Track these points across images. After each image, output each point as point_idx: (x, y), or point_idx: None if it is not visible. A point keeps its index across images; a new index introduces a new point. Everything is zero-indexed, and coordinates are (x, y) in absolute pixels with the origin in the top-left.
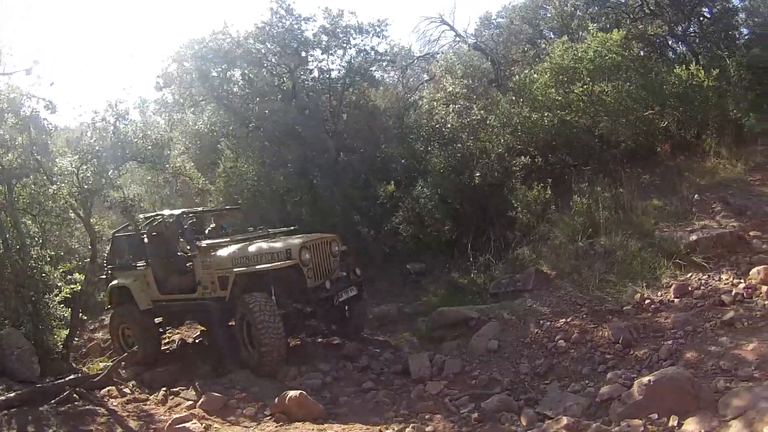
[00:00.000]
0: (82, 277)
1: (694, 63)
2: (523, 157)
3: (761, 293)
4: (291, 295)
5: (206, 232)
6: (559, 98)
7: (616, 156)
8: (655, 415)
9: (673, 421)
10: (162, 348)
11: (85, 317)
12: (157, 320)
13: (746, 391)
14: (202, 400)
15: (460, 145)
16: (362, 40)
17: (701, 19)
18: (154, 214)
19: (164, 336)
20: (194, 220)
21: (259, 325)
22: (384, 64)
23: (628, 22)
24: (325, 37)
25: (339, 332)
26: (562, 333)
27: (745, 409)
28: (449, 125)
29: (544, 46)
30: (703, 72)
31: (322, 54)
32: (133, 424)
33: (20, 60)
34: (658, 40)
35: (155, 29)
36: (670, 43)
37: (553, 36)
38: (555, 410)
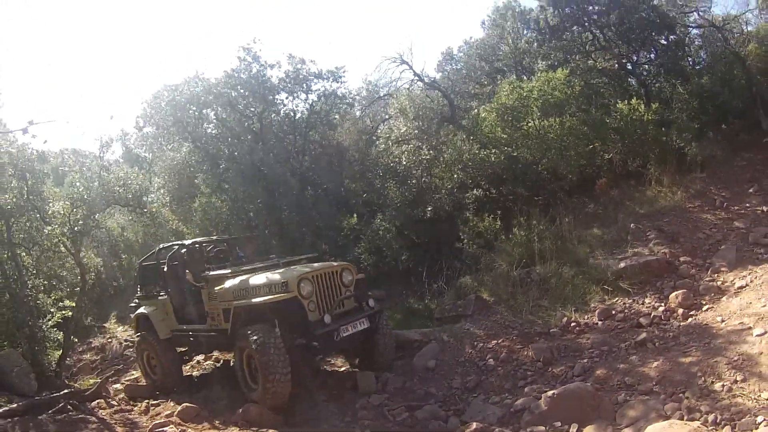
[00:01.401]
0: (73, 305)
1: (635, 98)
2: (475, 190)
3: (677, 315)
4: (293, 329)
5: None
6: (505, 136)
7: (563, 188)
8: (558, 423)
9: (573, 429)
10: (184, 375)
11: (76, 340)
12: (181, 349)
13: (642, 403)
14: (178, 409)
15: (414, 181)
16: (322, 85)
17: (655, 50)
18: (174, 243)
19: (190, 361)
20: (212, 248)
21: (263, 359)
22: (343, 107)
23: (577, 58)
24: (289, 83)
25: (364, 365)
26: (493, 353)
27: (637, 419)
28: (403, 163)
29: (499, 82)
30: (643, 106)
31: (287, 97)
32: (119, 429)
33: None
34: (611, 73)
35: (135, 70)
36: (622, 74)
37: (506, 71)
38: (475, 419)
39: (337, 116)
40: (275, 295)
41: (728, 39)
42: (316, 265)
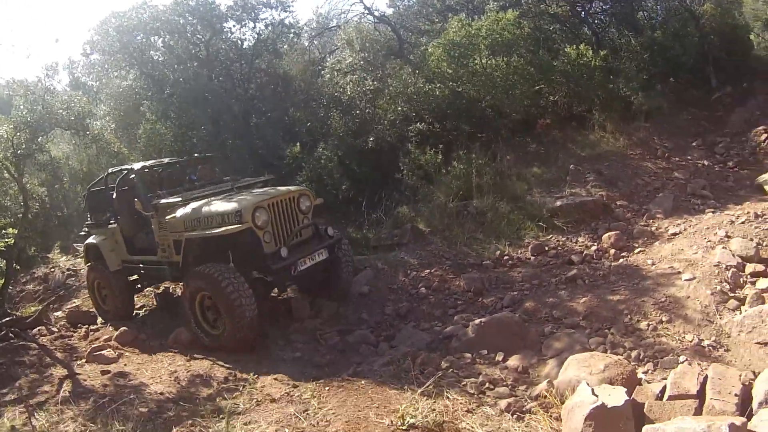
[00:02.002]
0: (15, 232)
1: (584, 44)
2: (418, 124)
3: (609, 256)
4: (247, 262)
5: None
6: (451, 71)
7: (506, 126)
8: (485, 351)
9: (499, 357)
10: (135, 308)
11: (18, 268)
12: (133, 277)
13: (567, 336)
14: (116, 334)
15: (358, 111)
16: (270, 14)
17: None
18: (123, 167)
19: (141, 291)
20: (164, 172)
21: (232, 297)
22: (290, 36)
23: (530, 1)
24: (238, 11)
25: (323, 296)
26: (425, 281)
27: (561, 351)
28: (348, 93)
29: (449, 19)
30: (591, 52)
31: (234, 26)
32: (59, 354)
33: None
34: (563, 19)
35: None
36: (574, 22)
37: (458, 9)
38: (404, 344)
39: (284, 45)
40: (229, 227)
41: None
42: (271, 191)
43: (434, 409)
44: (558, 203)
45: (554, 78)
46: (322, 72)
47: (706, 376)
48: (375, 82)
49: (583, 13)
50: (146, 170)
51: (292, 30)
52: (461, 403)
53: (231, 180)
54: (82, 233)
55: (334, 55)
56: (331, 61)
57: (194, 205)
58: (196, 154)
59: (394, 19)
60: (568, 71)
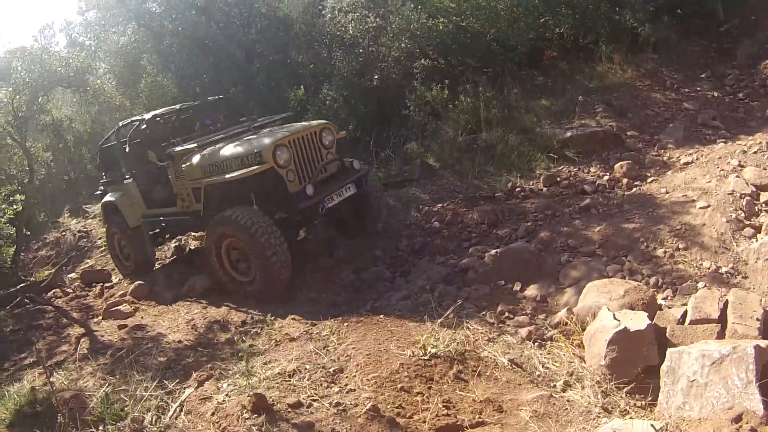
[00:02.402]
0: (22, 198)
1: None
2: (423, 60)
3: (622, 185)
4: (272, 203)
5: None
6: (454, 5)
7: (512, 59)
8: (502, 282)
9: (517, 287)
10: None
11: (29, 233)
12: (153, 231)
13: (584, 264)
14: (131, 288)
15: (361, 50)
16: None
17: None
18: (134, 119)
19: (163, 244)
20: (176, 119)
21: (264, 244)
22: None
23: None
24: None
25: (352, 232)
26: (438, 216)
27: (579, 279)
28: (350, 32)
29: None
30: None
31: None
32: (75, 314)
33: None
34: None
35: None
36: None
37: None
38: (421, 278)
39: None
40: (249, 168)
41: None
42: (291, 127)
43: (455, 339)
44: (568, 134)
45: (559, 10)
46: (323, 12)
47: (727, 301)
48: (377, 20)
49: None
50: (158, 119)
51: None
52: (482, 333)
53: (248, 120)
54: (98, 192)
55: None
56: (331, 0)
57: (211, 149)
58: (212, 97)
59: None
60: (573, 2)
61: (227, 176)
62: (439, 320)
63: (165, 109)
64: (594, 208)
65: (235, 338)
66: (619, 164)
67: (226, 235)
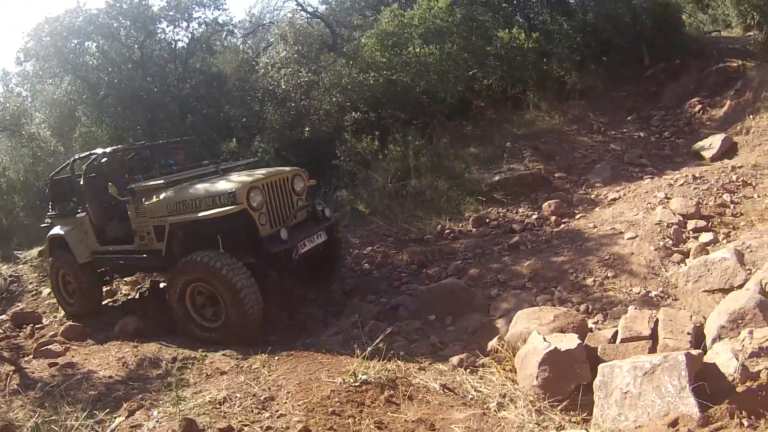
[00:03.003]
0: None
1: (517, 27)
2: (353, 113)
3: (551, 222)
4: (241, 247)
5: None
6: (385, 60)
7: (441, 111)
8: (433, 317)
9: (448, 320)
10: (103, 302)
11: None
12: (101, 270)
13: (514, 297)
14: (62, 329)
15: (293, 104)
16: (203, 13)
17: None
18: (91, 152)
19: (110, 284)
20: (134, 157)
21: (236, 286)
22: (223, 35)
23: None
24: (171, 11)
25: (314, 279)
26: (368, 258)
27: (509, 310)
28: (282, 87)
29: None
30: (524, 35)
31: (168, 26)
32: (6, 354)
33: None
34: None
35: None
36: (507, 9)
37: (390, 2)
38: (352, 316)
39: (218, 44)
40: (221, 208)
41: None
42: (265, 171)
43: (386, 367)
44: (496, 178)
45: (488, 62)
46: (257, 68)
47: (657, 319)
48: (309, 75)
49: (515, 0)
50: (118, 153)
51: (226, 28)
52: (412, 363)
53: (211, 163)
54: (45, 224)
55: (267, 52)
56: (264, 57)
57: (178, 187)
58: (175, 139)
59: (327, 15)
60: (502, 55)
61: (198, 215)
62: (369, 348)
63: (124, 146)
64: (523, 245)
65: (166, 373)
66: (547, 203)
67: (193, 279)
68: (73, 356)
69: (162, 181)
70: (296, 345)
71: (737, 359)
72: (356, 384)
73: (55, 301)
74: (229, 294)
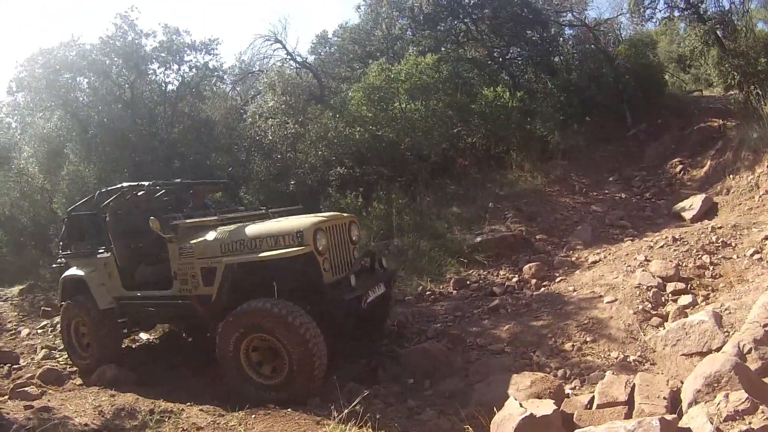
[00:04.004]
0: None
1: (501, 85)
2: (338, 168)
3: (531, 285)
4: (302, 295)
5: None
6: (371, 115)
7: (425, 168)
8: (411, 380)
9: (426, 384)
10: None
11: None
12: (120, 320)
13: (492, 361)
14: (39, 371)
15: (279, 155)
16: (195, 57)
17: (527, 45)
18: (118, 186)
19: (129, 336)
20: (168, 194)
21: (307, 340)
22: (213, 80)
23: (449, 47)
24: (163, 53)
25: (361, 335)
26: None
27: (488, 375)
28: (269, 137)
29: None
30: (508, 94)
31: (159, 68)
32: None
33: None
34: (481, 64)
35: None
36: (492, 67)
37: (378, 55)
38: (329, 377)
39: (208, 89)
40: (286, 249)
41: (599, 39)
42: (326, 214)
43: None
44: (478, 239)
45: (472, 120)
46: (244, 116)
47: (634, 384)
48: (296, 126)
49: (500, 58)
50: (155, 188)
51: (216, 73)
52: (389, 427)
53: (247, 208)
54: (57, 265)
55: (255, 100)
56: (252, 105)
57: (234, 226)
58: (210, 180)
59: (316, 65)
60: (486, 113)
61: (260, 255)
62: (346, 411)
63: (159, 182)
64: (503, 308)
65: (142, 426)
66: (528, 266)
67: (252, 330)
68: (49, 400)
69: (216, 217)
70: (272, 404)
71: (712, 423)
72: None
73: (33, 342)
74: (297, 347)
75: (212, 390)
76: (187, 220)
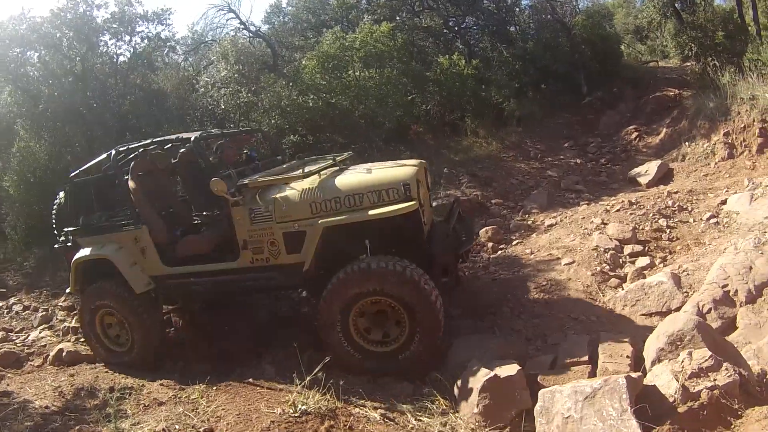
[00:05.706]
0: None
1: (456, 53)
2: (292, 136)
3: (488, 249)
4: (401, 252)
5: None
6: (324, 83)
7: (379, 135)
8: None
9: None
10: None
11: None
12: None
13: (453, 325)
14: None
15: (232, 125)
16: (147, 27)
17: (483, 14)
18: (141, 143)
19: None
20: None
21: (431, 295)
22: (165, 51)
23: (404, 15)
24: (114, 24)
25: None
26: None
27: (449, 339)
28: (221, 107)
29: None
30: (464, 61)
31: (111, 39)
32: None
33: None
34: (437, 33)
35: None
36: (447, 36)
37: (332, 24)
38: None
39: (159, 59)
40: (399, 206)
41: (556, 9)
42: (412, 162)
43: (325, 397)
44: (434, 204)
45: (427, 87)
46: (197, 86)
47: (597, 344)
48: (249, 95)
49: (456, 27)
50: (204, 141)
51: (168, 44)
52: (352, 392)
53: (299, 156)
54: (61, 245)
55: (208, 70)
56: (205, 75)
57: (318, 179)
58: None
59: (270, 35)
60: (441, 80)
61: (370, 213)
62: (308, 378)
63: (204, 131)
64: (461, 271)
65: (103, 404)
66: (484, 230)
67: (366, 294)
68: (8, 384)
69: (300, 171)
70: (232, 375)
71: (677, 380)
72: (296, 415)
73: None
74: (423, 309)
75: (171, 364)
76: (260, 178)
